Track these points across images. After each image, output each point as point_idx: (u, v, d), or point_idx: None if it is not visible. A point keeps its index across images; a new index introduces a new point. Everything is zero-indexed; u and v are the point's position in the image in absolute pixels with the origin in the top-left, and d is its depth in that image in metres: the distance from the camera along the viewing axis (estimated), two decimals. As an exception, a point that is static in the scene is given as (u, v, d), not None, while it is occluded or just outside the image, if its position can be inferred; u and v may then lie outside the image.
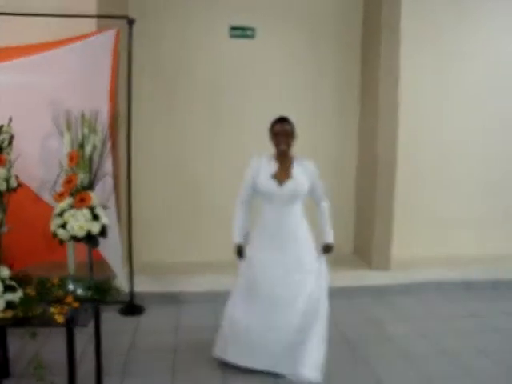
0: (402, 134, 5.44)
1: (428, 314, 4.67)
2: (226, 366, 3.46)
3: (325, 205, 3.51)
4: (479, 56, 5.96)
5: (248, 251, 3.44)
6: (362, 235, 5.94)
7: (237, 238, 3.45)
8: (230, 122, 5.64)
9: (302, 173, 3.35)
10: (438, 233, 6.09)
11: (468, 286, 5.24)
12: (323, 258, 3.45)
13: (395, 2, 5.26)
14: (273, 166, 3.34)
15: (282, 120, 3.33)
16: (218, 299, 4.69)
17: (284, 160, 3.36)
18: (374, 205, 5.52)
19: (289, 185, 3.29)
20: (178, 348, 3.84)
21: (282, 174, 3.32)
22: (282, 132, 3.30)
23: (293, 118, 3.37)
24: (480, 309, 4.77)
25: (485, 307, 4.82)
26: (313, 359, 3.30)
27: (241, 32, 5.53)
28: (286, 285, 3.33)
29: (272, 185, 3.29)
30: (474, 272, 5.51)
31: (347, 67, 5.83)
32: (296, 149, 3.44)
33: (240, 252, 3.45)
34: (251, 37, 5.56)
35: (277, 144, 3.33)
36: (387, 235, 5.52)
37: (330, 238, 3.47)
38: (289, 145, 3.34)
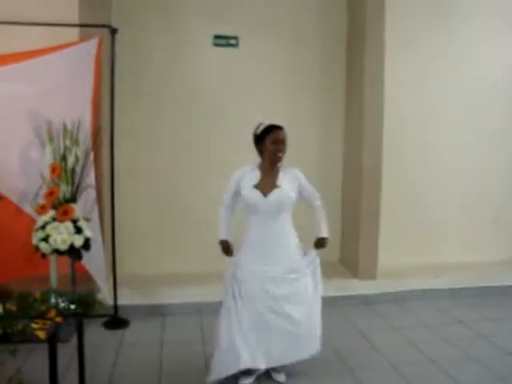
0: (387, 144, 5.45)
1: (415, 322, 4.65)
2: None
3: (318, 203, 3.51)
4: (462, 68, 6.03)
5: (236, 261, 3.36)
6: (348, 244, 5.93)
7: (222, 235, 3.42)
8: (215, 132, 5.60)
9: (290, 181, 3.31)
10: (423, 241, 6.11)
11: (454, 294, 5.26)
12: (315, 256, 3.48)
13: (379, 13, 5.26)
14: (255, 177, 3.28)
15: (278, 128, 3.26)
16: (203, 311, 4.67)
17: (272, 169, 3.31)
18: (359, 214, 5.51)
19: (274, 195, 3.23)
20: (164, 362, 3.77)
21: (267, 184, 3.26)
22: (281, 140, 3.24)
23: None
24: (466, 316, 4.77)
25: (471, 314, 4.83)
26: None
27: (224, 41, 5.52)
28: (275, 298, 3.28)
29: (256, 196, 3.22)
30: (460, 280, 5.53)
31: (331, 78, 5.84)
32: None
33: (227, 248, 3.40)
34: (235, 46, 5.55)
35: (274, 152, 3.24)
36: (373, 244, 5.50)
37: (324, 233, 3.50)
38: (284, 153, 3.30)
